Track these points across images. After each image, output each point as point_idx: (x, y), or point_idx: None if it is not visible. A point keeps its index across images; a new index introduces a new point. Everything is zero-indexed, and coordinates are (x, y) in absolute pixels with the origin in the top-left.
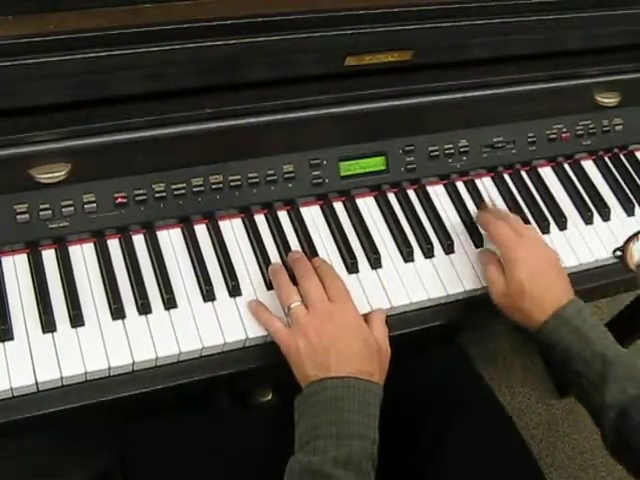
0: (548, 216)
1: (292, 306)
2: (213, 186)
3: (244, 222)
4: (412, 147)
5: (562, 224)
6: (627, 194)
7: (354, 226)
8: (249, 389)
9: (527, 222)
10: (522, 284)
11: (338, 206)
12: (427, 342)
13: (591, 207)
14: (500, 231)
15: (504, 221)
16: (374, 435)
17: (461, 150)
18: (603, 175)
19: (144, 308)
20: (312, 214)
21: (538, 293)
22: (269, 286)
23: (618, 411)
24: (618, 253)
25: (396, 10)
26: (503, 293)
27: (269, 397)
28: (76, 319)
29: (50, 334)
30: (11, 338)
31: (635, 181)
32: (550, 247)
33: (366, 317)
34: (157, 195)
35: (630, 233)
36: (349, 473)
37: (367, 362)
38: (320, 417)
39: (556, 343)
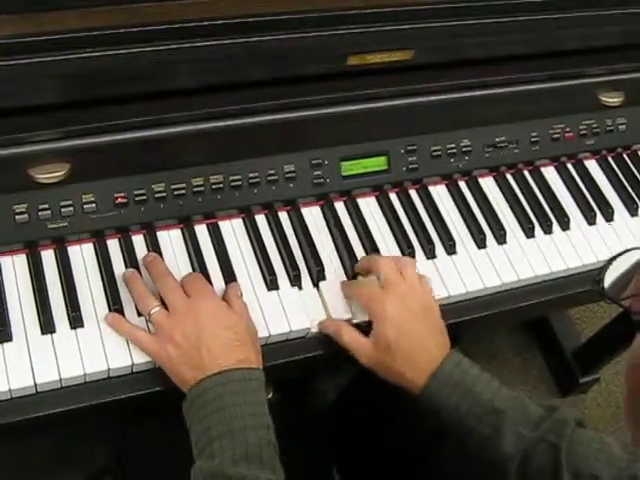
0: (551, 216)
1: (152, 312)
2: (213, 186)
3: (245, 222)
4: (414, 147)
5: (565, 224)
6: (630, 194)
7: (355, 226)
8: None
9: (530, 223)
10: (388, 340)
11: (339, 206)
12: None
13: (594, 207)
14: (361, 291)
15: (368, 278)
16: (267, 421)
17: (463, 150)
18: (606, 175)
19: None
20: (313, 214)
21: (409, 352)
22: (269, 286)
23: (519, 459)
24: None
25: (398, 10)
26: (370, 354)
27: (269, 396)
28: (75, 320)
29: (49, 335)
30: (10, 339)
31: (638, 181)
32: (425, 295)
33: (224, 297)
34: (157, 195)
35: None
36: (252, 466)
37: (239, 349)
38: (209, 419)
39: (443, 405)
